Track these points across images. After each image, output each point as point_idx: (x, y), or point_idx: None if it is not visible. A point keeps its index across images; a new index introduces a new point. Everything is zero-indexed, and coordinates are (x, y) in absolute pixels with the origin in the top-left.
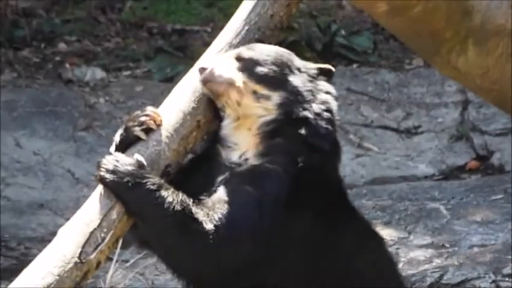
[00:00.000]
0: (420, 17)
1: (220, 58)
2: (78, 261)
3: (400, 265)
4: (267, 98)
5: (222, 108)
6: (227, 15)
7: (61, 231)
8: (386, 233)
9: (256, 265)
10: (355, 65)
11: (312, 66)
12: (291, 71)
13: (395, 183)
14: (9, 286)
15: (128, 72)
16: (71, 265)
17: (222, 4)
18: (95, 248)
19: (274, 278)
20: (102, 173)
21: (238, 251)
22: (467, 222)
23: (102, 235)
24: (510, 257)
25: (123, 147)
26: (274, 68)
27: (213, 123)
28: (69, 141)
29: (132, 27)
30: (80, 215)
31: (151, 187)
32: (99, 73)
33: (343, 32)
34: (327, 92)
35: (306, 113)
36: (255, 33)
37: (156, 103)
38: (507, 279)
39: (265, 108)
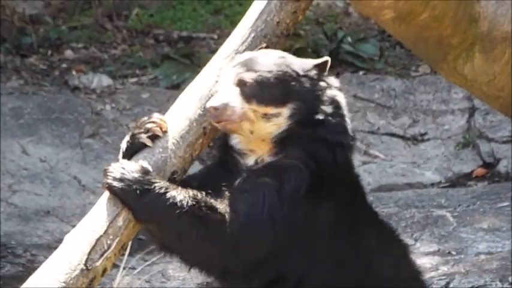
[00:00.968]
0: (426, 24)
1: (224, 90)
2: (84, 268)
3: None
4: (277, 115)
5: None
6: (233, 23)
7: (67, 238)
8: None
9: (280, 255)
10: (361, 72)
11: (309, 65)
12: (294, 80)
13: (402, 190)
14: None
15: (134, 79)
16: (77, 272)
17: (229, 11)
18: (101, 255)
19: (298, 269)
20: (109, 181)
21: (260, 238)
22: (474, 229)
23: (109, 242)
24: None
25: (129, 154)
26: (278, 84)
27: (219, 130)
28: (75, 148)
29: (138, 34)
30: (86, 222)
31: (160, 191)
32: (106, 80)
33: (349, 39)
34: (331, 87)
35: (319, 116)
36: (261, 40)
37: (163, 110)
38: None
39: (277, 124)
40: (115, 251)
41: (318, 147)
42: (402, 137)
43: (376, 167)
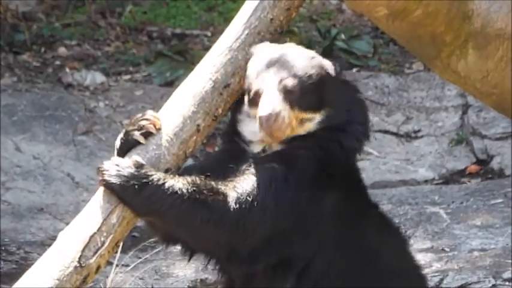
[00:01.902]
0: (420, 21)
1: (270, 97)
2: (78, 265)
3: None
4: (311, 119)
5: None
6: (227, 19)
7: (61, 236)
8: None
9: (284, 237)
10: (355, 69)
11: (335, 65)
12: (329, 83)
13: (395, 187)
14: None
15: (127, 77)
16: (70, 269)
17: (222, 8)
18: (95, 252)
19: (303, 254)
20: (106, 178)
21: (263, 217)
22: (467, 226)
23: (102, 239)
24: (510, 261)
25: (123, 152)
26: (316, 89)
27: (212, 127)
28: (69, 145)
29: (132, 31)
30: (80, 219)
31: (158, 182)
32: (99, 77)
33: (343, 36)
34: (358, 91)
35: (345, 126)
36: (254, 37)
37: (156, 107)
38: (507, 283)
39: (307, 127)
40: (109, 248)
41: (331, 145)
42: (396, 134)
43: (369, 164)
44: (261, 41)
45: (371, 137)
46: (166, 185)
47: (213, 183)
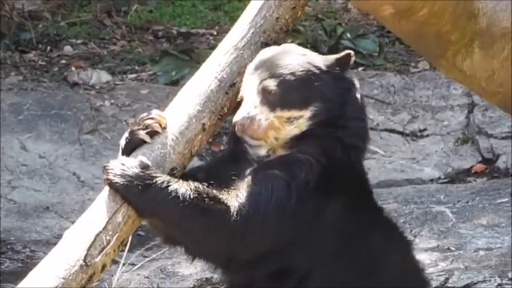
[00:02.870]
0: (426, 20)
1: (248, 100)
2: (84, 264)
3: None
4: (300, 117)
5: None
6: (232, 18)
7: (66, 234)
8: None
9: (285, 247)
10: (360, 68)
11: (332, 60)
12: (317, 79)
13: (401, 186)
14: None
15: (133, 75)
16: (76, 268)
17: (228, 7)
18: (101, 251)
19: (303, 264)
20: (111, 177)
21: (264, 228)
22: (473, 225)
23: (108, 238)
24: None
25: (128, 151)
26: (301, 86)
27: (218, 126)
28: (74, 144)
29: (137, 30)
30: (86, 217)
31: (162, 185)
32: (105, 76)
33: (348, 35)
34: (354, 87)
35: (341, 121)
36: (260, 36)
37: (162, 106)
38: None
39: (298, 125)
40: (114, 247)
41: (333, 147)
42: (401, 133)
43: (375, 163)
44: (267, 40)
45: (369, 134)
46: (170, 188)
47: (215, 191)
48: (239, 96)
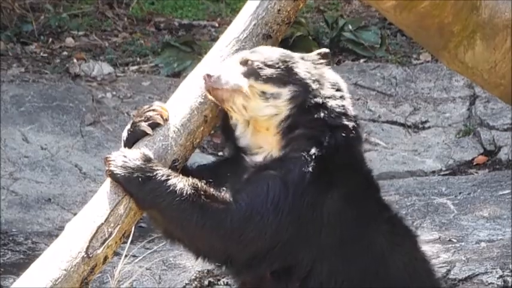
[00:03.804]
0: (428, 11)
1: (225, 64)
2: (86, 256)
3: None
4: (277, 96)
5: (229, 114)
6: (234, 10)
7: (68, 226)
8: None
9: (285, 245)
10: (362, 60)
11: (311, 54)
12: (296, 62)
13: (403, 178)
14: (17, 281)
15: (135, 67)
16: (78, 260)
17: None
18: (102, 243)
19: (304, 261)
20: (112, 168)
21: (262, 228)
22: (475, 217)
23: (110, 230)
24: None
25: (130, 143)
26: (280, 64)
27: (220, 118)
28: (76, 136)
29: (139, 22)
30: (87, 209)
31: (161, 178)
32: (107, 68)
33: (350, 27)
34: (334, 78)
35: (319, 99)
36: (262, 28)
37: (163, 98)
38: None
39: (276, 106)
40: (116, 238)
41: (320, 132)
42: (403, 125)
43: (377, 155)
44: (268, 31)
45: (352, 112)
46: (169, 182)
47: (212, 189)
48: None
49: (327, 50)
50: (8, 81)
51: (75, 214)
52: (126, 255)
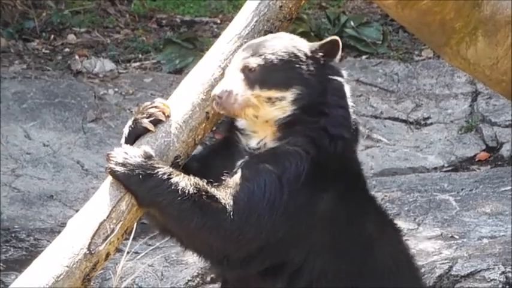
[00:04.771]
0: (429, 8)
1: (228, 77)
2: (88, 252)
3: None
4: (282, 98)
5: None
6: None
7: (70, 223)
8: None
9: (279, 242)
10: (364, 56)
11: (316, 47)
12: (299, 62)
13: (405, 174)
14: (19, 277)
15: (137, 64)
16: (80, 256)
17: None
18: (104, 239)
19: (297, 257)
20: (112, 165)
21: (259, 228)
22: (477, 213)
23: (112, 226)
24: None
25: (132, 140)
26: (282, 67)
27: (222, 115)
28: (78, 133)
29: (141, 18)
30: (89, 206)
31: (163, 176)
32: (109, 64)
33: (352, 23)
34: (338, 75)
35: (321, 107)
36: (264, 25)
37: (165, 94)
38: None
39: (282, 107)
40: (118, 235)
41: (319, 137)
42: (405, 121)
43: (379, 151)
44: (270, 28)
45: (351, 123)
46: (171, 181)
47: (213, 189)
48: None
49: (337, 38)
50: (10, 78)
51: (77, 211)
52: (128, 252)
